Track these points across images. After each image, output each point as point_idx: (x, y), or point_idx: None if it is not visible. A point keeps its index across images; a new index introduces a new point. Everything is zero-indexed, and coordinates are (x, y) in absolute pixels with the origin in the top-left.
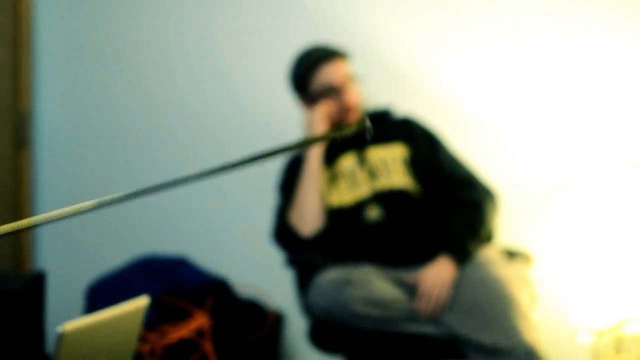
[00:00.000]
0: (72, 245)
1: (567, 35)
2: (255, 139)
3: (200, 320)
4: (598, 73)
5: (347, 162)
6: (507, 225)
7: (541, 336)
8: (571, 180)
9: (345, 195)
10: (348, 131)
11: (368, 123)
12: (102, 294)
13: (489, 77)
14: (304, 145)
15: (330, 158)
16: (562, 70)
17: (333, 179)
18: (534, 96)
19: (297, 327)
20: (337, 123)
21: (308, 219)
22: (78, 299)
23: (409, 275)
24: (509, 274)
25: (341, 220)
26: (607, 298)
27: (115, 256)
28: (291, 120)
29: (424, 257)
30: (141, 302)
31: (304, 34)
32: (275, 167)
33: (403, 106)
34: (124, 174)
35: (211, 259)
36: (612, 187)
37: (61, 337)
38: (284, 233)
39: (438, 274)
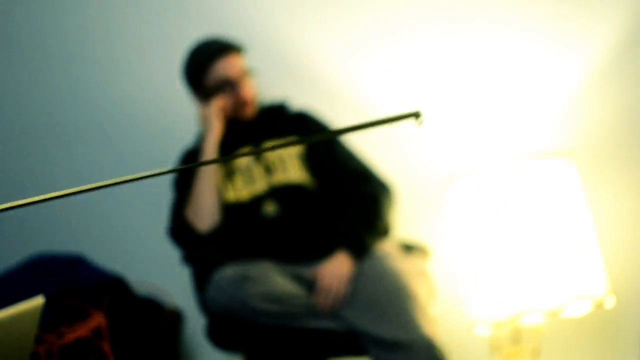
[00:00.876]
0: None
1: (462, 30)
2: (151, 134)
3: (97, 320)
4: (492, 66)
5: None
6: (404, 219)
7: (440, 329)
8: (466, 173)
9: (241, 190)
10: (398, 117)
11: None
12: None
13: (385, 70)
14: (340, 132)
15: (226, 154)
16: (456, 63)
17: (229, 174)
18: (428, 89)
19: (196, 325)
20: (232, 117)
21: (204, 214)
22: None
23: (307, 271)
24: (407, 268)
25: (238, 215)
26: (504, 290)
27: (7, 256)
28: (187, 115)
29: (322, 252)
30: (36, 302)
31: (199, 27)
32: (170, 163)
33: (299, 100)
34: (24, 172)
35: (108, 257)
36: (506, 179)
37: None
38: (180, 229)
39: (336, 269)
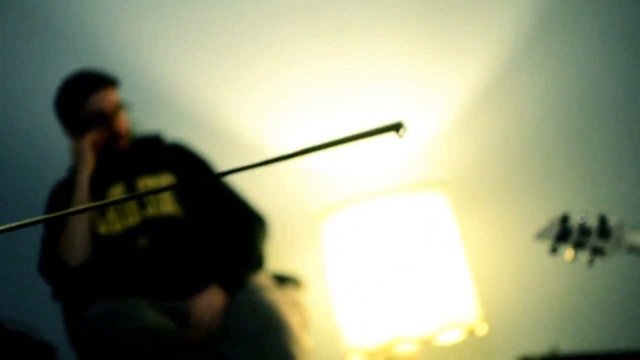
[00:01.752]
0: None
1: (334, 66)
2: (21, 167)
3: None
4: (364, 99)
5: (116, 191)
6: (277, 251)
7: (315, 359)
8: (339, 205)
9: (114, 224)
10: (379, 129)
11: (402, 122)
12: None
13: (258, 103)
14: (326, 146)
15: (99, 188)
16: (330, 97)
17: (103, 209)
18: (302, 122)
19: None
20: (105, 150)
21: (75, 248)
22: None
23: (180, 304)
24: (281, 299)
25: (110, 249)
26: (377, 318)
27: None
28: (58, 150)
29: (195, 285)
30: None
31: (72, 59)
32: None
33: (173, 132)
34: None
35: None
36: (379, 211)
37: None
38: (50, 264)
39: (208, 302)
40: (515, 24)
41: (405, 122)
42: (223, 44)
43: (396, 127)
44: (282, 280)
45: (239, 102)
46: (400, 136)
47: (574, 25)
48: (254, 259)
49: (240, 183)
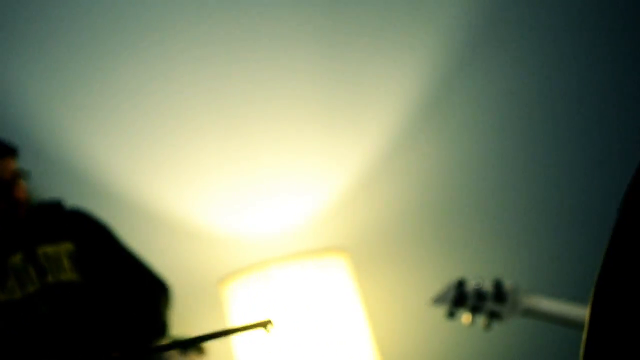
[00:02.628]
0: None
1: (238, 142)
2: None
3: None
4: (265, 170)
5: (15, 260)
6: (180, 318)
7: None
8: (241, 272)
9: (14, 292)
10: (249, 326)
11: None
12: None
13: (158, 171)
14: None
15: None
16: (232, 165)
17: (1, 277)
18: (200, 190)
19: None
20: (3, 220)
21: None
22: None
23: None
24: None
25: (10, 317)
26: None
27: None
28: None
29: (97, 353)
30: None
31: None
32: None
33: (73, 200)
34: None
35: None
36: (280, 277)
37: None
38: None
39: None
40: (413, 92)
41: (272, 320)
42: (125, 111)
43: (264, 324)
44: (186, 347)
45: (141, 172)
46: (268, 331)
47: (467, 95)
48: (157, 327)
49: (142, 249)
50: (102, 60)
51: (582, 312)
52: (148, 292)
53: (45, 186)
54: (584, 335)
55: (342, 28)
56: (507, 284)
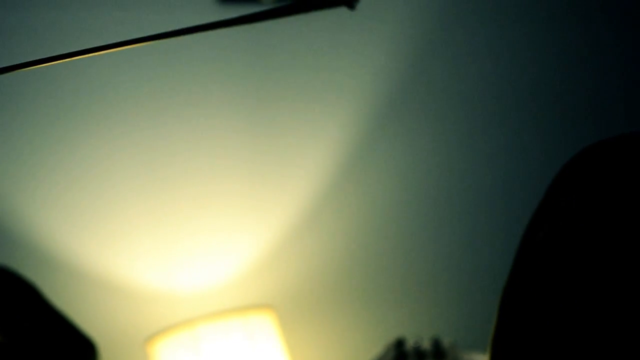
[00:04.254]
0: None
1: (166, 201)
2: None
3: None
4: (192, 226)
5: None
6: None
7: None
8: (168, 330)
9: None
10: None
11: None
12: None
13: (83, 228)
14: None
15: None
16: (149, 214)
17: None
18: (126, 247)
19: None
20: None
21: None
22: None
23: None
24: None
25: None
26: None
27: None
28: None
29: None
30: None
31: None
32: None
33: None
34: None
35: None
36: (206, 335)
37: None
38: None
39: None
40: (336, 150)
41: None
42: (49, 167)
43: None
44: None
45: (68, 230)
46: (353, 7)
47: (387, 154)
48: None
49: (69, 308)
50: (25, 118)
51: None
52: (75, 351)
53: None
54: None
55: (268, 89)
56: (446, 341)
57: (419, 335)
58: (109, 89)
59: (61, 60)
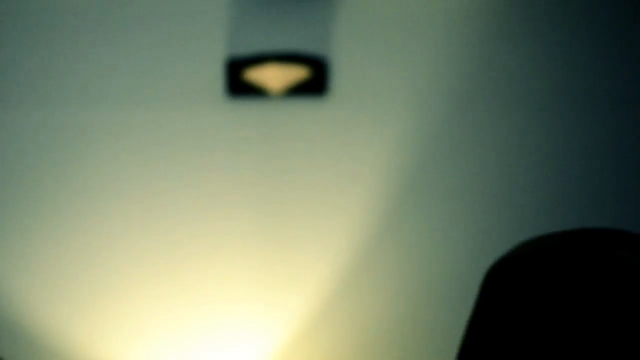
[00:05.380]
0: None
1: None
2: None
3: None
4: (202, 312)
5: None
6: None
7: None
8: None
9: None
10: None
11: None
12: None
13: (94, 325)
14: None
15: None
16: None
17: None
18: (139, 343)
19: None
20: None
21: None
22: None
23: None
24: None
25: None
26: None
27: None
28: None
29: None
30: None
31: None
32: None
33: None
34: None
35: None
36: None
37: None
38: None
39: None
40: (346, 248)
41: None
42: (55, 262)
43: None
44: None
45: (75, 322)
46: None
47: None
48: None
49: None
50: (31, 205)
51: None
52: None
53: None
54: None
55: (279, 189)
56: None
57: None
58: (111, 183)
59: None
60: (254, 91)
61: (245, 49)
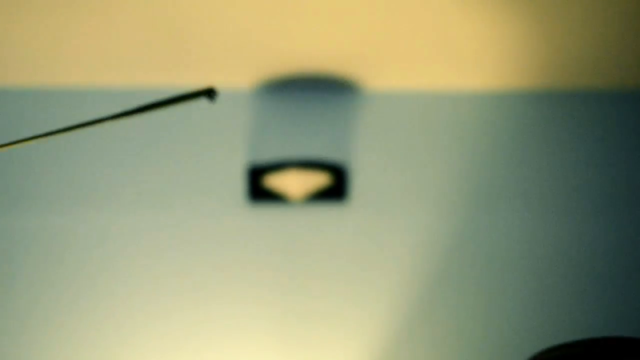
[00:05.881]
0: None
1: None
2: None
3: None
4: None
5: None
6: None
7: None
8: None
9: None
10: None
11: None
12: None
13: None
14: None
15: None
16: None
17: None
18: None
19: None
20: None
21: None
22: None
23: None
24: None
25: None
26: None
27: None
28: None
29: None
30: None
31: None
32: None
33: None
34: None
35: None
36: None
37: None
38: None
39: None
40: (369, 332)
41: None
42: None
43: (208, 92)
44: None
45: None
46: (212, 99)
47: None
48: None
49: None
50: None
51: None
52: None
53: None
54: None
55: (299, 293)
56: None
57: None
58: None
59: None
60: (274, 197)
61: (266, 155)
